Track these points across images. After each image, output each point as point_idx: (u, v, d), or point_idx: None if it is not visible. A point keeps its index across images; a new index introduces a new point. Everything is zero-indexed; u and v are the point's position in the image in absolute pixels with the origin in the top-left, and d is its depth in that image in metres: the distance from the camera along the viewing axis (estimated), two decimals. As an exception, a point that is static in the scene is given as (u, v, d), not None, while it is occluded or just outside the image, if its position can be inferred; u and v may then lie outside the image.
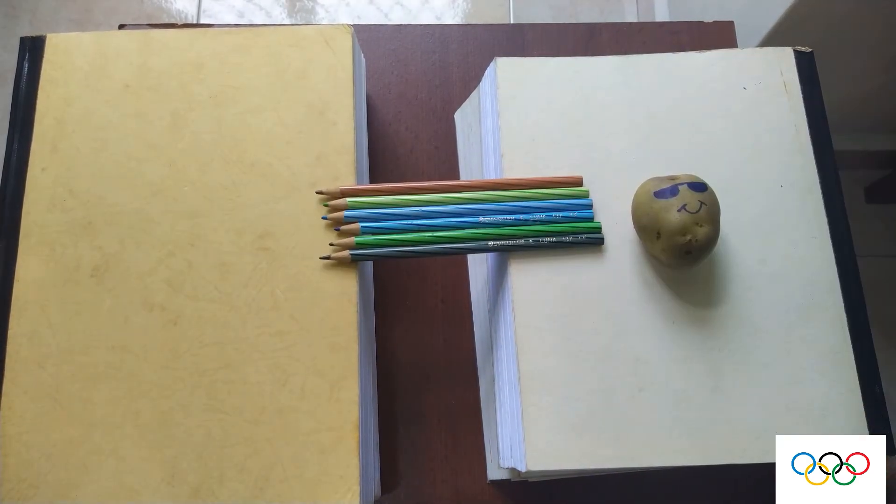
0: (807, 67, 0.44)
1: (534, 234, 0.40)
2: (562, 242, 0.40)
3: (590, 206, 0.41)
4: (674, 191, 0.37)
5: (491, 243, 0.40)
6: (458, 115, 0.53)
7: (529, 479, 0.43)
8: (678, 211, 0.36)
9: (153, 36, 0.43)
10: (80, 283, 0.39)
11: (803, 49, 0.45)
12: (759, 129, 0.43)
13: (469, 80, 0.54)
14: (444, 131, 0.53)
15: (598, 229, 0.40)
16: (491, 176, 0.44)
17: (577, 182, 0.41)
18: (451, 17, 1.46)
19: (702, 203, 0.37)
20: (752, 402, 0.37)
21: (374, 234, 0.39)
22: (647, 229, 0.38)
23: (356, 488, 0.36)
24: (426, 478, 0.45)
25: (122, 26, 0.53)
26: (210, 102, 0.42)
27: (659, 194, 0.38)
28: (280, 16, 1.46)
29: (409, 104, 0.54)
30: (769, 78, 0.44)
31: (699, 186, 0.37)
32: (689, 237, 0.36)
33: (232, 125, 0.42)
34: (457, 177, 0.52)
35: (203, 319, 0.38)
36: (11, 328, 0.38)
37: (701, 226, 0.36)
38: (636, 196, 0.39)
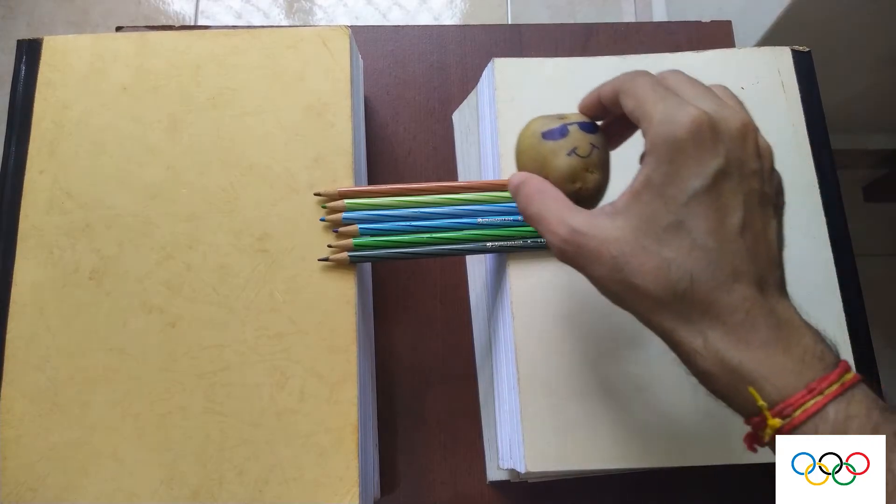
0: (804, 67, 0.44)
1: (532, 234, 0.40)
2: (560, 243, 0.40)
3: (588, 207, 0.41)
4: (563, 131, 0.32)
5: (489, 244, 0.40)
6: (456, 116, 0.53)
7: (529, 480, 0.43)
8: (567, 155, 0.32)
9: (150, 38, 0.43)
10: (78, 286, 0.39)
11: (801, 48, 0.45)
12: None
13: (467, 81, 0.54)
14: (442, 132, 0.53)
15: (597, 230, 0.40)
16: (489, 177, 0.44)
17: (576, 182, 0.41)
18: (449, 18, 1.46)
19: (593, 146, 0.32)
20: (751, 402, 0.37)
21: (372, 235, 0.39)
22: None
23: (355, 490, 0.36)
24: (425, 479, 0.45)
25: (119, 28, 0.53)
26: (208, 104, 0.42)
27: (547, 135, 0.32)
28: (278, 17, 1.46)
29: (407, 105, 0.54)
30: (767, 77, 0.44)
31: (590, 127, 0.33)
32: (578, 185, 0.32)
33: (230, 127, 0.42)
34: (455, 178, 0.52)
35: (201, 322, 0.38)
36: (10, 331, 0.38)
37: (591, 172, 0.32)
38: (520, 137, 0.34)
